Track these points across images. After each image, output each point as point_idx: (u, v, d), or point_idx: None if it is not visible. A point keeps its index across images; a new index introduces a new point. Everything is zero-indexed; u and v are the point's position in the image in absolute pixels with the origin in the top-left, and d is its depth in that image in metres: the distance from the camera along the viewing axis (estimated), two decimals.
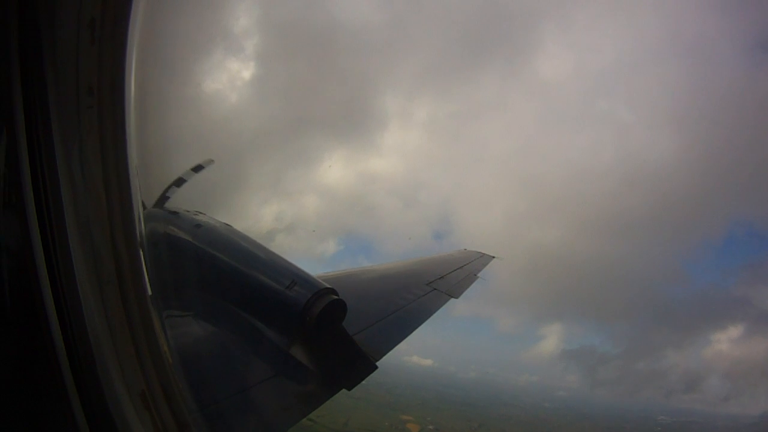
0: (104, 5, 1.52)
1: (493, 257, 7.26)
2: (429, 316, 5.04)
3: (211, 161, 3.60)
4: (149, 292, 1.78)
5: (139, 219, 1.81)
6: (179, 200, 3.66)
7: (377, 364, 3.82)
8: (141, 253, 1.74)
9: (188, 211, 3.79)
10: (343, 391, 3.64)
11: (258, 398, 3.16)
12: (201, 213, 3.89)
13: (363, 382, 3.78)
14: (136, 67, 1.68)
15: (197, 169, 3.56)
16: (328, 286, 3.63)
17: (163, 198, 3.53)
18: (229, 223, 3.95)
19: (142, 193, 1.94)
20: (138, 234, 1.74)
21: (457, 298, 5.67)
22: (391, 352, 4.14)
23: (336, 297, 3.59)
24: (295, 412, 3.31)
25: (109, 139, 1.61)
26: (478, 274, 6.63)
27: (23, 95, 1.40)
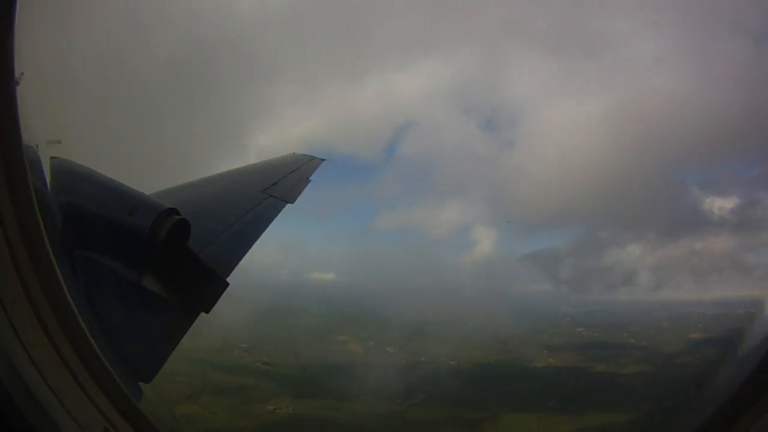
0: None
1: (323, 160, 7.57)
2: (269, 224, 5.14)
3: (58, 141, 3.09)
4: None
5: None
6: None
7: (227, 280, 3.78)
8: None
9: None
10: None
11: (125, 343, 2.99)
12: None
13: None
14: None
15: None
16: (170, 205, 3.52)
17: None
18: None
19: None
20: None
21: (292, 203, 5.83)
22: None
23: (179, 217, 3.50)
24: (163, 348, 3.24)
25: None
26: (310, 178, 6.87)
27: None
